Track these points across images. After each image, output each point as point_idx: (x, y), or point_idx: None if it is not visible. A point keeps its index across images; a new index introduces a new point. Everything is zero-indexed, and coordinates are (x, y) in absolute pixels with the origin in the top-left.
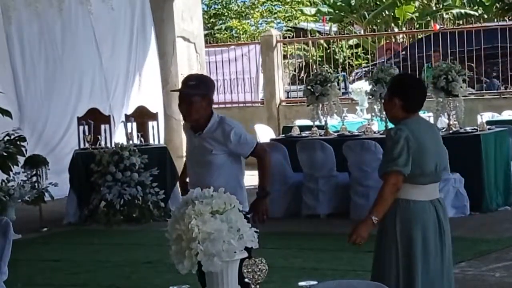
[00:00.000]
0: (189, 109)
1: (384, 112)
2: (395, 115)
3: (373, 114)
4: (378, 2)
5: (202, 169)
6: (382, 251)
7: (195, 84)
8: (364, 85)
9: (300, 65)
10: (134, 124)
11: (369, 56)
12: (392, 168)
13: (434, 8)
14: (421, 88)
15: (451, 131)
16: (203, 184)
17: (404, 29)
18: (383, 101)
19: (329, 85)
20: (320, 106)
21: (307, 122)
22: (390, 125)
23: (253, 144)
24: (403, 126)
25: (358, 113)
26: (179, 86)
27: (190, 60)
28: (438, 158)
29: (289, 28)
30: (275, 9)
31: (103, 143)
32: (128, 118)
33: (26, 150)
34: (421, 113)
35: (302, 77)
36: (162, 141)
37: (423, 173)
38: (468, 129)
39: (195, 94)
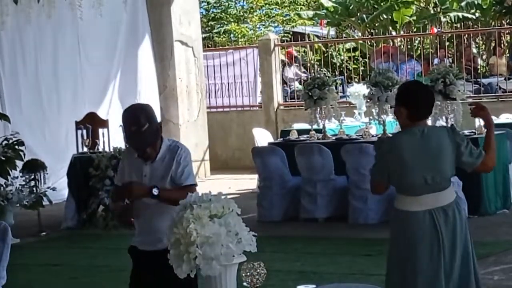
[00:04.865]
0: None
1: (382, 116)
2: (403, 124)
3: (371, 117)
4: (376, 6)
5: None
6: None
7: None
8: (362, 89)
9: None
10: None
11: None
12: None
13: (432, 12)
14: (426, 96)
15: None
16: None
17: (402, 32)
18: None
19: (327, 88)
20: (318, 109)
21: (305, 125)
22: (389, 130)
23: None
24: (390, 138)
25: (356, 116)
26: (178, 89)
27: (188, 64)
28: (426, 170)
29: (287, 32)
30: (273, 12)
31: (101, 147)
32: None
33: (24, 155)
34: None
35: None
36: None
37: (408, 185)
38: (466, 132)
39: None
